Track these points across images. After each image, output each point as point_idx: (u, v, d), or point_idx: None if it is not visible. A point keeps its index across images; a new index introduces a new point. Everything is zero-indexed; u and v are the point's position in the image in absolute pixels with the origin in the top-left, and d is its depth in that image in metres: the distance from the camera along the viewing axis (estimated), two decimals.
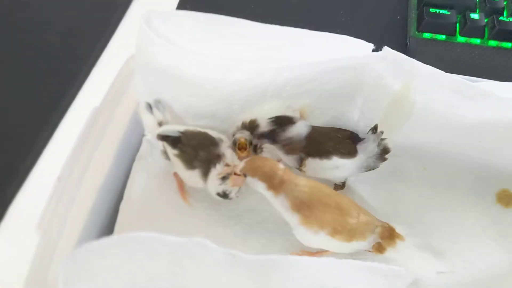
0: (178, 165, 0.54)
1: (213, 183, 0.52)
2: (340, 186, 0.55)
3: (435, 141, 0.55)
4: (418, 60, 0.49)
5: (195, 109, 0.56)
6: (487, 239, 0.55)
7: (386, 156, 0.52)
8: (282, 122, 0.52)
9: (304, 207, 0.47)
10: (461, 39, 0.70)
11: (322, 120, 0.56)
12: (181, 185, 0.57)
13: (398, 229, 0.49)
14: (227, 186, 0.51)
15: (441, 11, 0.70)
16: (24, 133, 0.62)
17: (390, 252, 0.49)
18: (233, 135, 0.54)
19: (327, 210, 0.47)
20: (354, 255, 0.50)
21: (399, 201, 0.58)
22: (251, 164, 0.48)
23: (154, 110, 0.55)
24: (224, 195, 0.52)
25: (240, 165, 0.49)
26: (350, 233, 0.47)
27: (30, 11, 0.75)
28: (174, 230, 0.52)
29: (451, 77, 0.49)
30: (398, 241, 0.48)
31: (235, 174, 0.50)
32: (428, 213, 0.57)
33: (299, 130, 0.52)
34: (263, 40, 0.54)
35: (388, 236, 0.48)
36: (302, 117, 0.55)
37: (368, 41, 0.54)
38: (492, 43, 0.70)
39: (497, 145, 0.54)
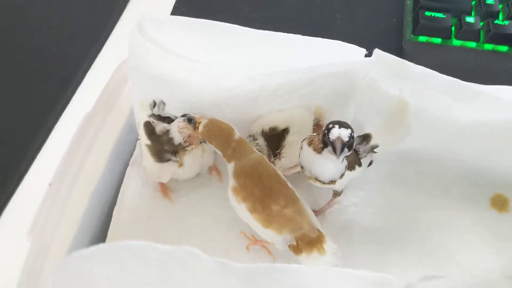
0: (147, 157, 0.54)
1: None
2: (338, 193, 0.55)
3: (429, 144, 0.55)
4: (414, 63, 0.49)
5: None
6: (481, 244, 0.55)
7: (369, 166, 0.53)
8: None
9: (242, 176, 0.49)
10: (456, 42, 0.70)
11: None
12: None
13: (329, 245, 0.48)
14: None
15: (436, 15, 0.70)
16: (18, 137, 0.61)
17: (303, 257, 0.47)
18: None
19: (259, 187, 0.48)
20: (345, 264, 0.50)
21: (393, 206, 0.58)
22: (208, 131, 0.50)
23: (155, 109, 0.56)
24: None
25: (200, 127, 0.51)
26: (267, 219, 0.48)
27: (25, 15, 0.75)
28: (168, 235, 0.54)
29: (444, 78, 0.49)
30: (315, 251, 0.47)
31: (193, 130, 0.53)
32: (422, 217, 0.57)
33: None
34: (256, 46, 0.54)
35: (307, 242, 0.47)
36: (318, 117, 0.56)
37: (364, 44, 0.54)
38: (488, 46, 0.70)
39: (492, 148, 0.54)
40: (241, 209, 0.49)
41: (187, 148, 0.54)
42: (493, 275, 0.53)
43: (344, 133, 0.44)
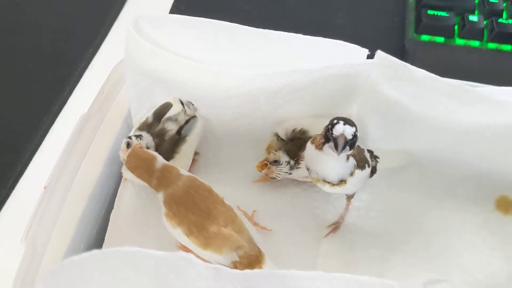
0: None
1: None
2: (351, 196, 0.54)
3: (433, 147, 0.54)
4: (416, 62, 0.48)
5: None
6: (486, 248, 0.54)
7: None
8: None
9: (173, 204, 0.48)
10: (459, 41, 0.69)
11: None
12: None
13: (268, 265, 0.47)
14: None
15: (439, 13, 0.69)
16: (13, 139, 0.61)
17: None
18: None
19: (194, 212, 0.47)
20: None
21: (397, 209, 0.57)
22: (129, 162, 0.50)
23: (185, 107, 0.54)
24: None
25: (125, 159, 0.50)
26: (205, 241, 0.47)
27: (21, 14, 0.75)
28: (166, 239, 0.52)
29: (447, 82, 0.48)
30: None
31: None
32: (426, 221, 0.56)
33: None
34: (256, 45, 0.54)
35: (245, 264, 0.47)
36: None
37: (366, 43, 0.53)
38: (492, 45, 0.69)
39: (496, 151, 0.53)
40: (178, 233, 0.48)
41: None
42: (498, 279, 0.52)
43: (348, 131, 0.43)
